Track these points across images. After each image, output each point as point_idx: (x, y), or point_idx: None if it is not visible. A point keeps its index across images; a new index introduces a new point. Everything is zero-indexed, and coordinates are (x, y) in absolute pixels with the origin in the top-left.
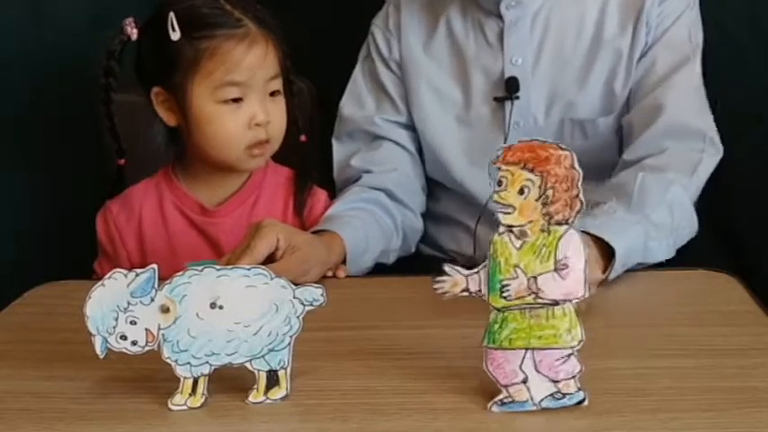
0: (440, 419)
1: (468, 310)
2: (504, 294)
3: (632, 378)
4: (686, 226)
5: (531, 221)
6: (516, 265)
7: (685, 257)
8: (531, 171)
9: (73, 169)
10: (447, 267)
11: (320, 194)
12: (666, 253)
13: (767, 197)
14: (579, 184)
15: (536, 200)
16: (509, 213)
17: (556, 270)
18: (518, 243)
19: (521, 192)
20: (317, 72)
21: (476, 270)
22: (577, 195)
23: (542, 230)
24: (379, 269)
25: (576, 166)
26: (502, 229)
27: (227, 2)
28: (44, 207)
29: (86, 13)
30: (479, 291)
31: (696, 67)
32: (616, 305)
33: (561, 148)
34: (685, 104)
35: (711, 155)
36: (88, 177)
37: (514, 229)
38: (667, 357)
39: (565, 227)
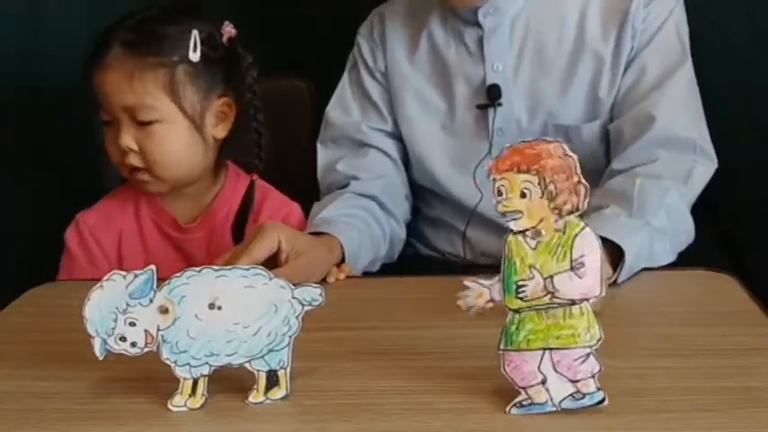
0: (440, 419)
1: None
2: (521, 295)
3: (632, 378)
4: (683, 231)
5: (542, 219)
6: (532, 266)
7: (685, 258)
8: (527, 172)
9: (73, 169)
10: (467, 282)
11: (293, 207)
12: (669, 257)
13: (766, 197)
14: (578, 169)
15: (540, 198)
16: (518, 219)
17: (572, 269)
18: (533, 243)
19: (523, 195)
20: (317, 72)
21: (497, 279)
22: (579, 181)
23: (557, 230)
24: (378, 269)
25: (569, 152)
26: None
27: (121, 21)
28: (44, 207)
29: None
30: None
31: (688, 71)
32: (616, 305)
33: (548, 141)
34: (677, 114)
35: (704, 164)
36: (89, 177)
37: (528, 231)
38: (667, 357)
39: (579, 222)
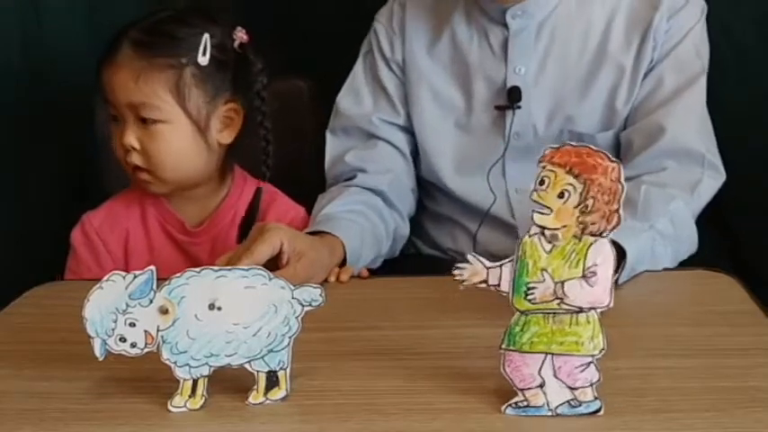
0: (440, 419)
1: (469, 311)
2: (529, 297)
3: (632, 378)
4: (686, 240)
5: (564, 226)
6: (544, 269)
7: (686, 258)
8: (576, 177)
9: (74, 169)
10: (470, 256)
11: (299, 211)
12: (669, 263)
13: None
14: (621, 199)
15: (575, 207)
16: (545, 214)
17: (584, 277)
18: (548, 247)
19: (560, 195)
20: (317, 72)
21: (498, 264)
22: (617, 210)
23: (575, 236)
24: (378, 268)
25: (623, 180)
26: (534, 230)
27: (134, 22)
28: (44, 207)
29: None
30: (498, 285)
31: (702, 88)
32: (616, 305)
33: (610, 159)
34: (688, 127)
35: (712, 177)
36: (90, 177)
37: (546, 232)
38: (667, 357)
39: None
